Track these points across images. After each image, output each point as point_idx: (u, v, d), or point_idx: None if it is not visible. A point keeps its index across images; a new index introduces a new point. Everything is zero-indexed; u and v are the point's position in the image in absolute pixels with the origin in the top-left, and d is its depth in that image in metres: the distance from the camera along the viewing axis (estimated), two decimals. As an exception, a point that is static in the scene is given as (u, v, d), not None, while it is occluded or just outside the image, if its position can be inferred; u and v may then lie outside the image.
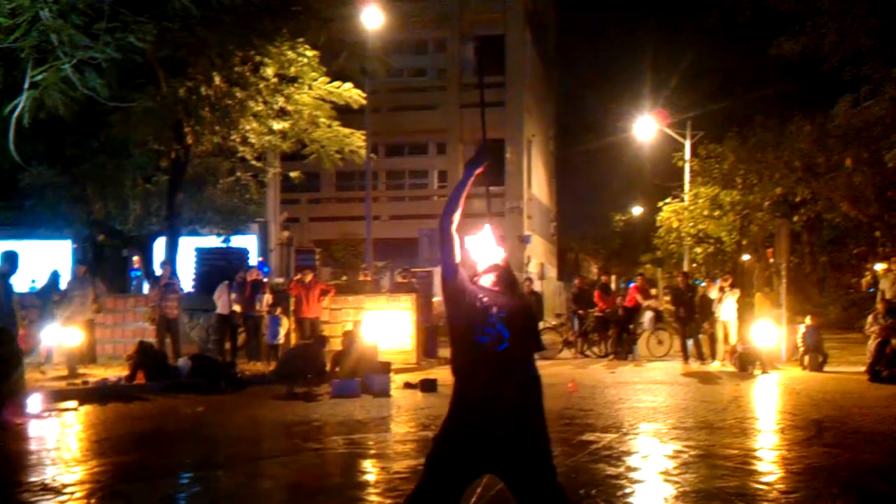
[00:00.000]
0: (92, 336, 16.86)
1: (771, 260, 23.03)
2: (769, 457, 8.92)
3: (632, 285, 23.11)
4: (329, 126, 19.03)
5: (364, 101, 19.39)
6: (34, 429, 10.69)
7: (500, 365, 4.21)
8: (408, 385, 14.71)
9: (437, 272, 23.21)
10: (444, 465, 4.19)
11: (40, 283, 17.16)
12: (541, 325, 21.60)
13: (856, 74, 23.40)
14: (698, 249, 33.51)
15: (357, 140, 19.76)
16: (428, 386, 14.21)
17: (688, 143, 32.71)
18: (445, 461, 4.19)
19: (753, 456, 8.89)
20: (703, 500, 6.88)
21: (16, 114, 12.31)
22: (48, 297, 15.99)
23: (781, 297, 19.94)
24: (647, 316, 21.32)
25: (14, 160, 13.61)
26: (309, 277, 17.92)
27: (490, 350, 4.21)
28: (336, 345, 16.88)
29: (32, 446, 9.81)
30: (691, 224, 31.78)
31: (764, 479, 7.78)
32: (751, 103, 30.72)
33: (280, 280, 23.75)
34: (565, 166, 50.97)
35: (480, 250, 4.62)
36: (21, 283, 14.00)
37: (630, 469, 8.14)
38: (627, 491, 7.27)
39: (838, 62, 23.16)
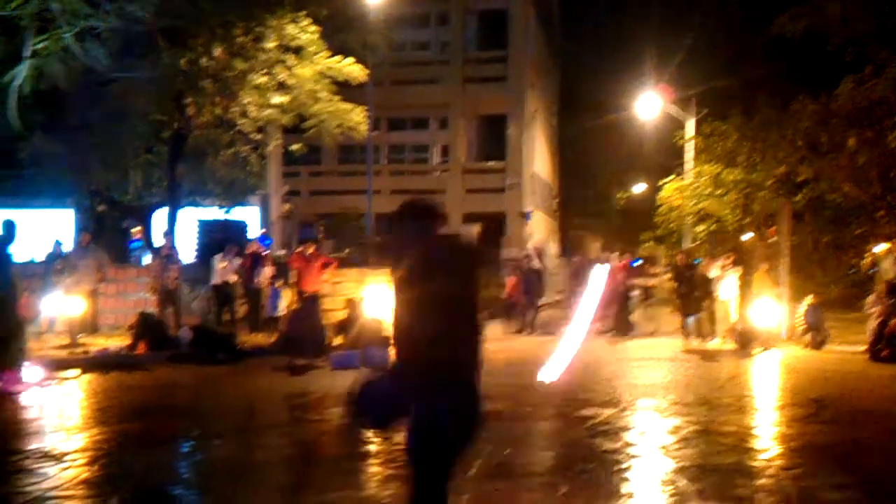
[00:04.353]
0: (95, 306, 16.88)
1: (772, 239, 22.96)
2: (768, 434, 8.95)
3: (636, 264, 23.08)
4: (329, 101, 18.95)
5: (365, 78, 19.29)
6: (35, 397, 10.72)
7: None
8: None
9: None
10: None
11: (40, 252, 17.14)
12: (541, 301, 21.67)
13: (859, 54, 23.26)
14: (700, 228, 33.45)
15: (357, 115, 19.68)
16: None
17: (691, 121, 32.58)
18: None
19: (752, 433, 8.92)
20: (701, 475, 6.90)
21: (16, 83, 12.28)
22: (50, 266, 15.99)
23: (783, 275, 19.93)
24: (635, 294, 21.34)
25: (15, 129, 13.60)
26: (310, 250, 17.90)
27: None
28: (337, 317, 16.93)
29: (33, 414, 9.85)
30: (693, 202, 31.71)
31: (762, 455, 7.81)
32: (755, 81, 30.54)
33: (282, 252, 23.74)
34: (568, 143, 50.77)
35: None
36: (22, 251, 13.96)
37: (628, 444, 8.17)
38: (625, 466, 7.30)
39: (842, 42, 23.01)
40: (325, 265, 17.84)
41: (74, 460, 7.35)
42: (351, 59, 18.66)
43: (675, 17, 36.28)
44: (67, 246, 17.14)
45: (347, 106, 19.43)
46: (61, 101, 18.23)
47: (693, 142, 32.28)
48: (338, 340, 15.33)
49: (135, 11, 11.92)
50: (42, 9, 11.49)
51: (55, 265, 15.97)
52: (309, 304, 15.90)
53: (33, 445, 8.02)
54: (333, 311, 18.03)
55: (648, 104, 34.07)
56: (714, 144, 31.16)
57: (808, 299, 18.33)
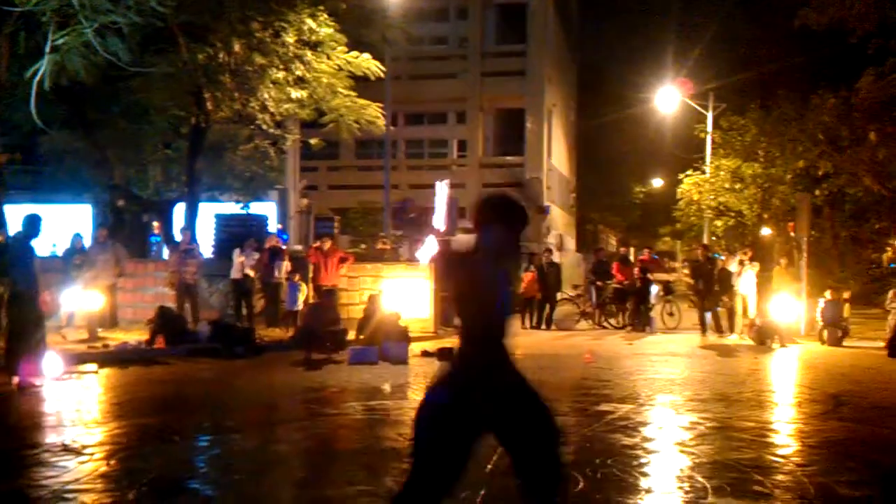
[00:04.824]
0: (113, 300, 16.98)
1: (791, 234, 22.83)
2: (786, 430, 8.91)
3: (644, 257, 22.98)
4: (347, 96, 18.98)
5: (382, 74, 19.30)
6: (54, 390, 10.80)
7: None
8: (425, 353, 14.74)
9: (455, 241, 23.12)
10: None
11: (61, 247, 17.25)
12: (559, 295, 21.62)
13: (881, 47, 23.08)
14: (718, 222, 33.32)
15: (374, 111, 19.70)
16: (445, 354, 14.23)
17: (710, 115, 32.44)
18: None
19: (770, 428, 8.88)
20: (718, 471, 6.88)
21: (37, 78, 12.34)
22: (69, 261, 16.09)
23: (801, 271, 19.83)
24: (654, 290, 21.25)
25: (35, 124, 13.68)
26: (327, 245, 17.94)
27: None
28: (354, 312, 16.98)
29: (53, 408, 9.92)
30: (712, 197, 31.58)
31: (780, 451, 7.78)
32: (774, 75, 30.38)
33: (299, 247, 23.80)
34: (586, 137, 50.64)
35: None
36: (43, 246, 14.07)
37: (646, 439, 8.16)
38: (643, 461, 7.28)
39: (864, 34, 22.83)
40: (343, 260, 17.90)
41: (93, 454, 7.39)
42: (368, 55, 18.67)
43: (695, 11, 36.05)
44: (86, 241, 17.24)
45: (364, 102, 19.45)
46: (81, 96, 18.33)
47: (711, 136, 32.15)
48: (351, 335, 15.35)
49: (155, 7, 11.94)
50: (63, 4, 11.53)
51: (74, 260, 16.06)
52: (326, 298, 15.95)
53: (52, 439, 8.07)
54: (351, 306, 18.07)
55: (667, 98, 33.93)
56: (733, 139, 31.02)
57: (827, 295, 18.24)
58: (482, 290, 4.19)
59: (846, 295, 18.54)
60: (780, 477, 6.83)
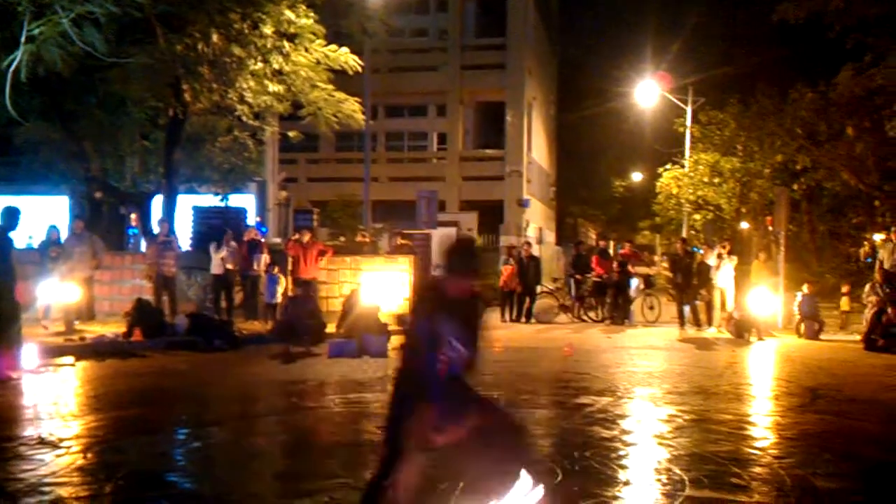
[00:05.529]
0: (90, 292, 16.86)
1: (770, 228, 22.97)
2: (763, 422, 8.97)
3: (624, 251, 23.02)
4: (325, 89, 18.90)
5: (360, 69, 19.23)
6: (31, 383, 10.72)
7: None
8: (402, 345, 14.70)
9: (435, 235, 23.13)
10: None
11: (37, 239, 17.11)
12: (538, 289, 21.66)
13: (859, 42, 23.22)
14: (697, 216, 33.49)
15: (353, 105, 19.63)
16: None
17: (689, 109, 32.57)
18: None
19: (747, 421, 8.93)
20: (696, 463, 6.91)
21: (12, 68, 12.21)
22: (46, 253, 15.96)
23: (779, 265, 19.96)
24: (634, 283, 21.32)
25: (10, 115, 13.53)
26: (307, 238, 17.87)
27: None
28: (333, 305, 16.94)
29: (29, 401, 9.84)
30: (691, 191, 31.74)
31: (757, 443, 7.83)
32: (753, 69, 30.53)
33: (278, 240, 23.71)
34: (566, 131, 50.70)
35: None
36: (20, 238, 13.95)
37: (624, 432, 8.19)
38: (621, 453, 7.31)
39: (842, 29, 22.96)
40: (322, 253, 17.83)
41: (70, 447, 7.34)
42: (347, 49, 18.59)
43: (674, 5, 36.18)
44: (63, 233, 17.10)
45: (342, 96, 19.37)
46: (57, 87, 18.13)
47: (690, 130, 32.29)
48: (331, 328, 15.30)
49: (132, -3, 11.85)
50: (39, -7, 11.42)
51: (50, 252, 15.92)
52: (305, 291, 15.90)
53: (29, 432, 8.01)
54: (330, 299, 18.02)
55: (647, 92, 34.02)
56: (712, 133, 31.18)
57: (803, 289, 18.37)
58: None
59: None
60: (757, 469, 6.87)
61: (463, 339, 4.56)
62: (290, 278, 17.70)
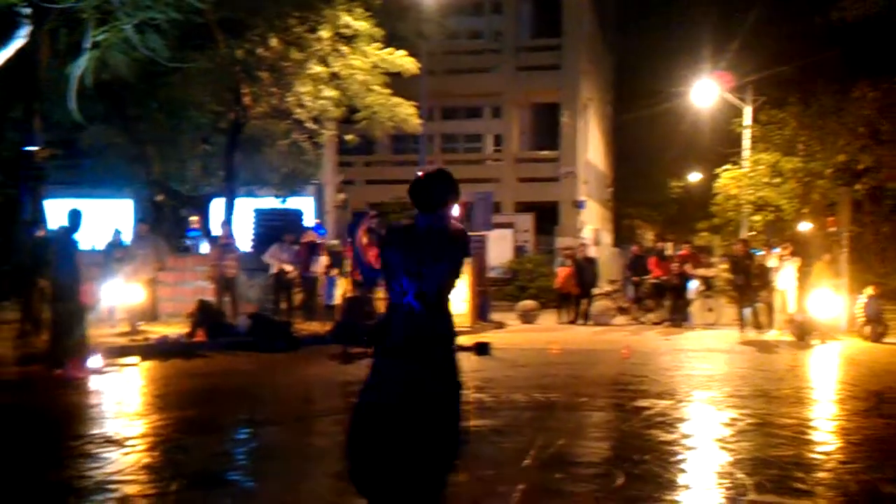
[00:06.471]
0: (154, 294, 17.14)
1: (831, 229, 22.57)
2: (827, 427, 8.82)
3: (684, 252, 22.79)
4: (381, 93, 19.03)
5: (416, 70, 19.31)
6: (97, 383, 10.95)
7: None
8: (461, 348, 14.72)
9: (491, 236, 23.11)
10: None
11: (102, 241, 17.44)
12: (595, 291, 21.53)
13: (924, 39, 22.75)
14: (757, 217, 32.99)
15: (407, 109, 19.72)
16: (481, 349, 14.21)
17: (748, 109, 32.12)
18: None
19: (810, 425, 8.80)
20: (758, 467, 6.82)
21: (78, 74, 12.49)
22: (110, 255, 16.27)
23: (842, 266, 19.61)
24: (693, 284, 21.07)
25: (76, 119, 13.85)
26: (364, 239, 17.98)
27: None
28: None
29: (95, 400, 10.06)
30: (751, 191, 31.27)
31: (821, 448, 7.70)
32: (813, 68, 30.01)
33: (336, 242, 23.91)
34: (622, 132, 50.25)
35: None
36: (85, 241, 14.26)
37: (684, 436, 8.10)
38: (682, 457, 7.24)
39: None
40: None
41: (135, 446, 7.49)
42: (403, 52, 18.70)
43: (732, 3, 35.66)
44: (127, 235, 17.42)
45: (398, 99, 19.47)
46: (120, 92, 18.51)
47: (750, 130, 31.83)
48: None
49: (193, 3, 12.05)
50: (103, 1, 11.67)
51: (115, 254, 16.23)
52: (363, 293, 16.00)
53: (96, 430, 8.19)
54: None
55: (705, 91, 33.61)
56: (771, 133, 30.71)
57: (867, 291, 18.02)
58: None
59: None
60: (821, 474, 6.77)
61: (412, 272, 4.54)
62: (348, 280, 17.82)
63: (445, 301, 4.72)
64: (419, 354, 4.60)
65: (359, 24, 17.42)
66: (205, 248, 20.55)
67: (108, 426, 8.34)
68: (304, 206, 24.99)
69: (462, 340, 15.26)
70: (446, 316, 4.74)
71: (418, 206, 4.68)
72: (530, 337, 17.89)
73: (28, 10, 12.82)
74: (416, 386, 4.56)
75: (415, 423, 4.54)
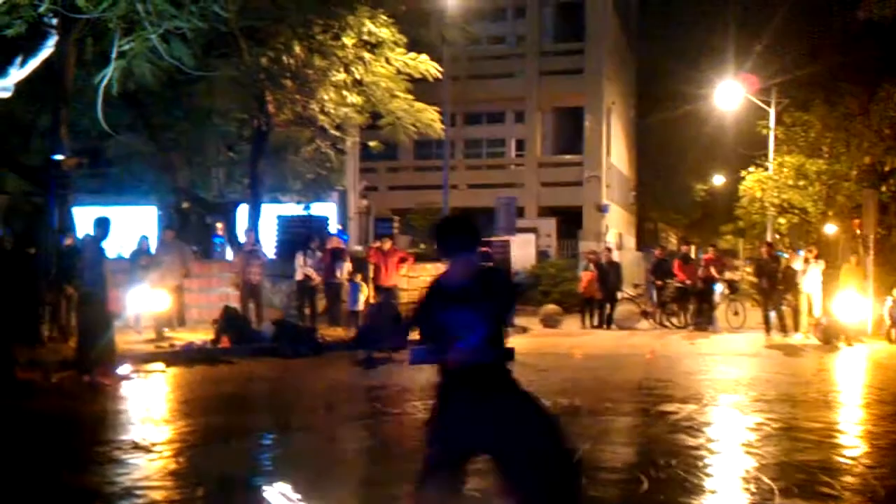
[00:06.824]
0: (180, 300, 17.23)
1: (857, 231, 22.39)
2: (854, 431, 8.77)
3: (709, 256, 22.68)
4: (404, 99, 19.09)
5: (440, 75, 19.36)
6: (124, 390, 11.04)
7: None
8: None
9: (515, 241, 23.12)
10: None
11: (127, 248, 17.58)
12: (619, 295, 21.46)
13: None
14: (782, 220, 32.77)
15: (431, 114, 19.76)
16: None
17: (773, 111, 31.94)
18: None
19: (837, 430, 8.74)
20: (785, 472, 6.79)
21: (104, 83, 12.61)
22: (136, 262, 16.40)
23: (868, 269, 19.45)
24: (718, 288, 20.95)
25: (102, 128, 13.98)
26: (387, 245, 18.05)
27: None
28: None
29: (123, 406, 10.14)
30: (775, 194, 31.06)
31: (848, 452, 7.65)
32: (838, 69, 29.79)
33: (359, 248, 23.99)
34: (646, 135, 50.10)
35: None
36: (112, 248, 14.41)
37: (710, 440, 8.08)
38: (708, 462, 7.22)
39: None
40: (402, 260, 17.99)
41: (162, 451, 7.55)
42: (426, 57, 18.75)
43: (757, 3, 35.44)
44: (152, 242, 17.55)
45: (421, 105, 19.52)
46: (146, 100, 18.68)
47: (774, 132, 31.65)
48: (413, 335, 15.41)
49: (217, 11, 12.13)
50: (129, 11, 11.77)
51: (140, 261, 16.35)
52: (387, 298, 16.05)
53: (123, 436, 8.26)
54: (411, 305, 18.12)
55: (729, 94, 33.46)
56: (796, 135, 30.49)
57: (895, 293, 17.86)
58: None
59: None
60: (848, 479, 6.73)
61: (470, 323, 4.35)
62: (371, 286, 17.89)
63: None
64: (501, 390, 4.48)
65: (382, 31, 17.49)
66: (229, 254, 20.67)
67: (135, 432, 8.41)
68: (328, 212, 25.10)
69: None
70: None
71: (442, 252, 4.59)
72: (554, 342, 17.87)
73: (55, 21, 12.97)
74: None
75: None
